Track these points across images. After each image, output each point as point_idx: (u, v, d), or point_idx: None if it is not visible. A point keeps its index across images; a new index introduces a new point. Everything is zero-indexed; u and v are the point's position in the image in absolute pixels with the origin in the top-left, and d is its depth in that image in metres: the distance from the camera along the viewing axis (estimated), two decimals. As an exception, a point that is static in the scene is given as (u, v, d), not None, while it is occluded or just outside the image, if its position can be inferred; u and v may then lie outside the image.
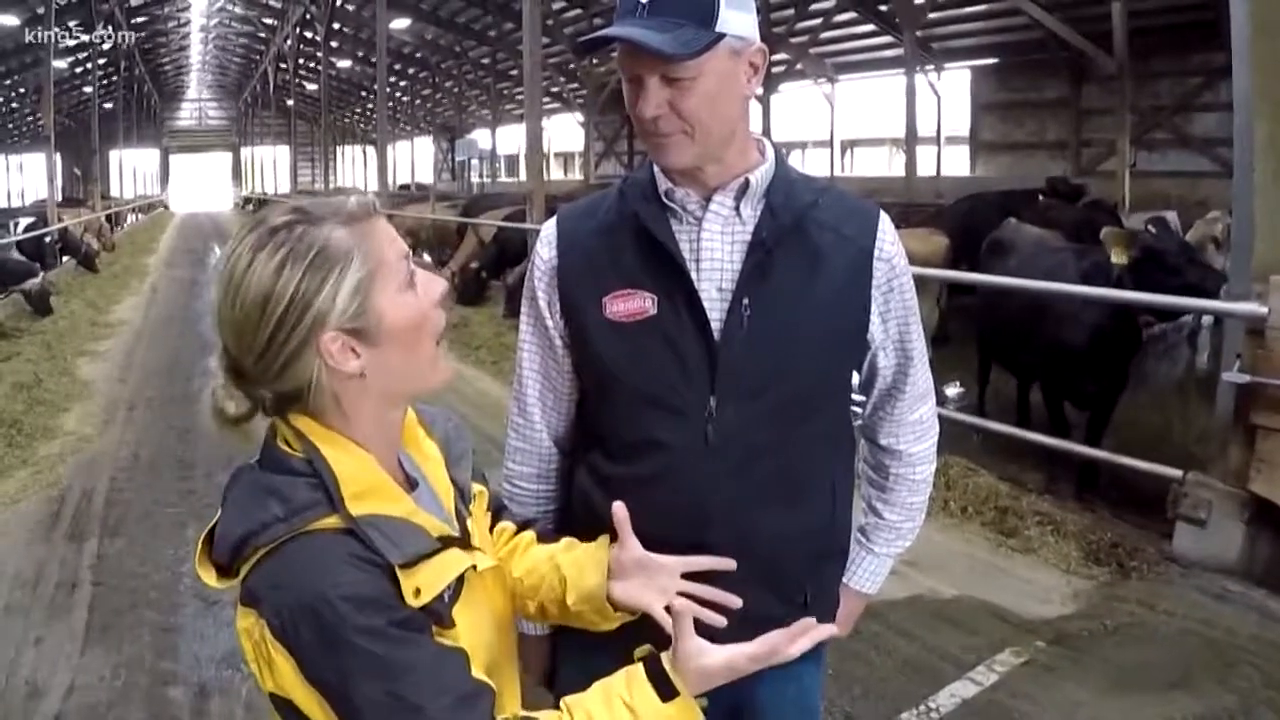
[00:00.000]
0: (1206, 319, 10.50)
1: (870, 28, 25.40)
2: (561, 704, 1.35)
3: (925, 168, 24.97)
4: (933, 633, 4.60)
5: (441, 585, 1.29)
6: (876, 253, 1.79)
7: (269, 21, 48.58)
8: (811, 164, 34.88)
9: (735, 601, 1.51)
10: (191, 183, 74.70)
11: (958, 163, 26.87)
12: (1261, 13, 5.01)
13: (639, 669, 1.36)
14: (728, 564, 1.57)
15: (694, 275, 1.71)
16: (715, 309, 1.71)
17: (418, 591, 1.25)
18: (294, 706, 1.23)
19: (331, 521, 1.25)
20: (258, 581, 1.23)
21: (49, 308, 14.41)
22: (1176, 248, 6.18)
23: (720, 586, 1.54)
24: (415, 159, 58.62)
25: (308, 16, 37.43)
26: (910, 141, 21.47)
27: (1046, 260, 7.09)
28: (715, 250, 1.72)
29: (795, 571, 1.81)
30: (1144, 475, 5.63)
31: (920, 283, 7.72)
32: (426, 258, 20.35)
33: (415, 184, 48.37)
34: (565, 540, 1.67)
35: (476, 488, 1.60)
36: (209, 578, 1.31)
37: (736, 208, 1.73)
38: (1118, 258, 5.96)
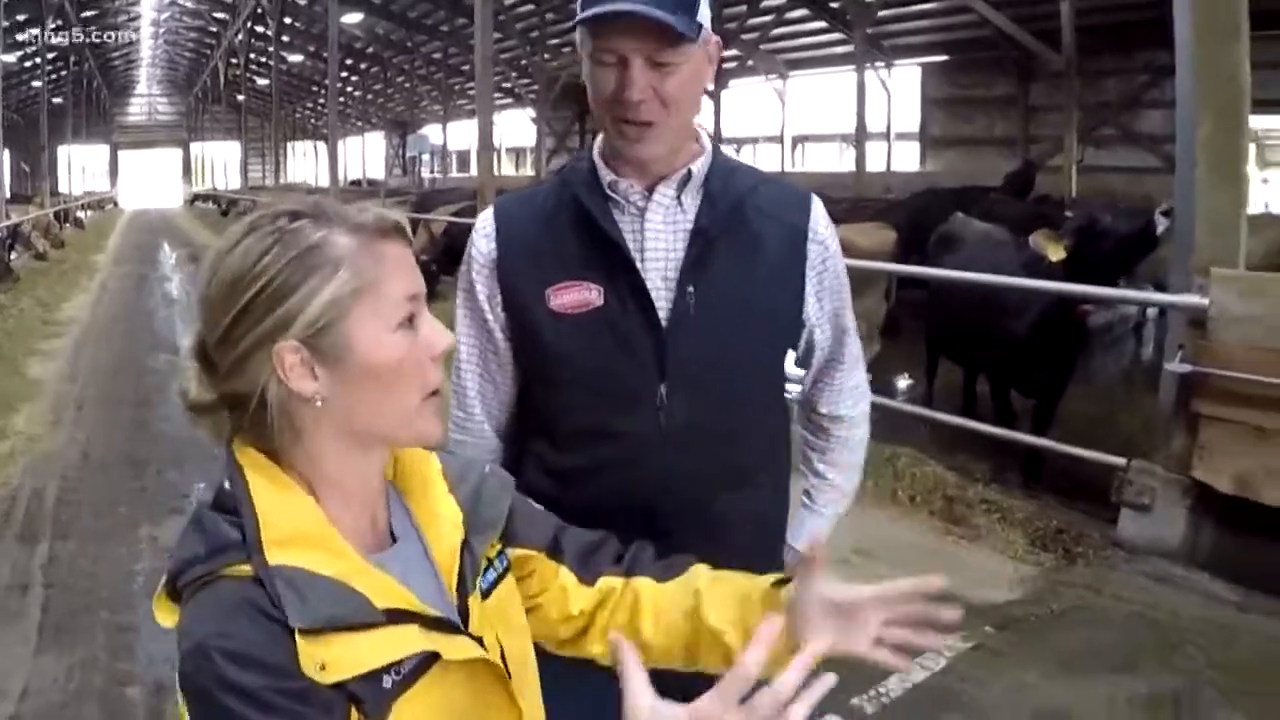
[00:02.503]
0: (1151, 311, 10.69)
1: (821, 24, 25.54)
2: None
3: (875, 163, 25.19)
4: (883, 621, 4.66)
5: (365, 666, 1.08)
6: (810, 235, 1.84)
7: (220, 16, 48.16)
8: (762, 160, 35.05)
9: (956, 615, 1.32)
10: (141, 179, 73.48)
11: (907, 158, 27.12)
12: (1203, 17, 5.14)
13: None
14: (937, 582, 1.32)
15: (640, 265, 1.74)
16: (661, 298, 1.74)
17: (323, 666, 1.05)
18: None
19: (244, 569, 1.08)
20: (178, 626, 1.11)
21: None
22: (1100, 214, 6.29)
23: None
24: (366, 154, 58.36)
25: (259, 11, 37.15)
26: (860, 137, 21.69)
27: (992, 254, 7.24)
28: (659, 240, 1.75)
29: (748, 552, 1.74)
30: (1089, 463, 5.73)
31: (869, 276, 7.81)
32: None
33: (366, 179, 48.02)
34: (694, 574, 1.45)
35: (518, 553, 1.40)
36: (163, 617, 1.16)
37: (678, 197, 1.76)
38: (1054, 254, 6.03)
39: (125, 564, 5.43)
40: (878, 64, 25.61)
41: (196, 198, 56.90)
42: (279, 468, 1.16)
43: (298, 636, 1.04)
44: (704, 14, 1.63)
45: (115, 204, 59.84)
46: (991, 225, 8.66)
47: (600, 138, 1.78)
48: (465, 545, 1.29)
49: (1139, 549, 5.16)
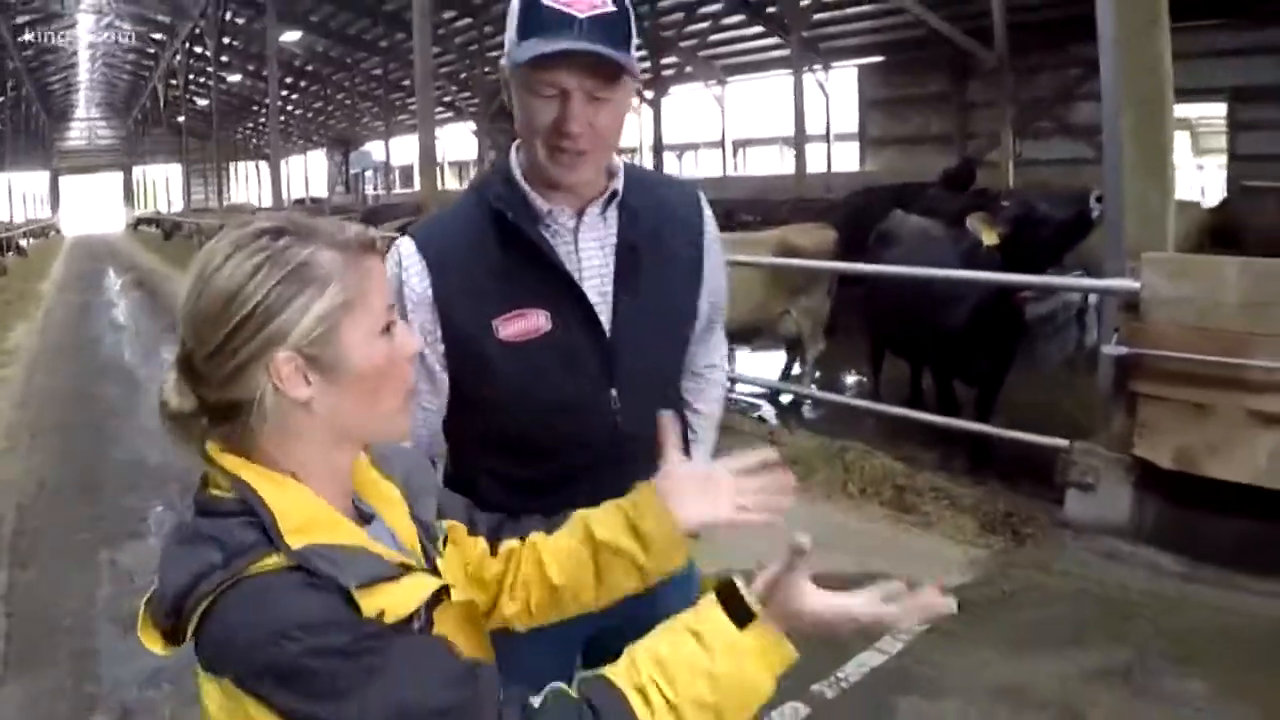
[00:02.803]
0: (1093, 298, 10.88)
1: (758, 30, 25.78)
2: (625, 652, 1.29)
3: (817, 165, 25.42)
4: (838, 609, 4.76)
5: (411, 607, 1.21)
6: (705, 231, 2.00)
7: (157, 37, 47.49)
8: (703, 165, 35.29)
9: (792, 480, 1.58)
10: (83, 205, 71.93)
11: (847, 159, 27.41)
12: (1124, 10, 5.31)
13: (710, 594, 1.30)
14: (772, 454, 1.59)
15: (581, 286, 1.83)
16: (601, 312, 1.84)
17: (381, 613, 1.17)
18: None
19: (272, 561, 1.15)
20: (207, 640, 1.14)
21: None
22: (1036, 201, 6.44)
23: None
24: (309, 173, 57.99)
25: (197, 31, 36.84)
26: (799, 139, 21.87)
27: (928, 248, 7.43)
28: (593, 258, 1.85)
29: None
30: (1034, 447, 5.86)
31: (811, 275, 7.95)
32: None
33: (310, 198, 47.80)
34: (576, 515, 1.60)
35: (447, 524, 1.52)
36: (155, 645, 1.20)
37: (602, 214, 1.86)
38: (989, 239, 6.25)
39: (86, 590, 5.41)
40: (815, 67, 25.89)
41: (140, 222, 56.21)
42: (269, 469, 1.24)
43: (355, 594, 1.14)
44: (632, 49, 1.71)
45: (57, 231, 58.77)
46: (928, 220, 8.83)
47: (516, 158, 1.84)
48: (415, 520, 1.44)
49: (1086, 527, 5.28)
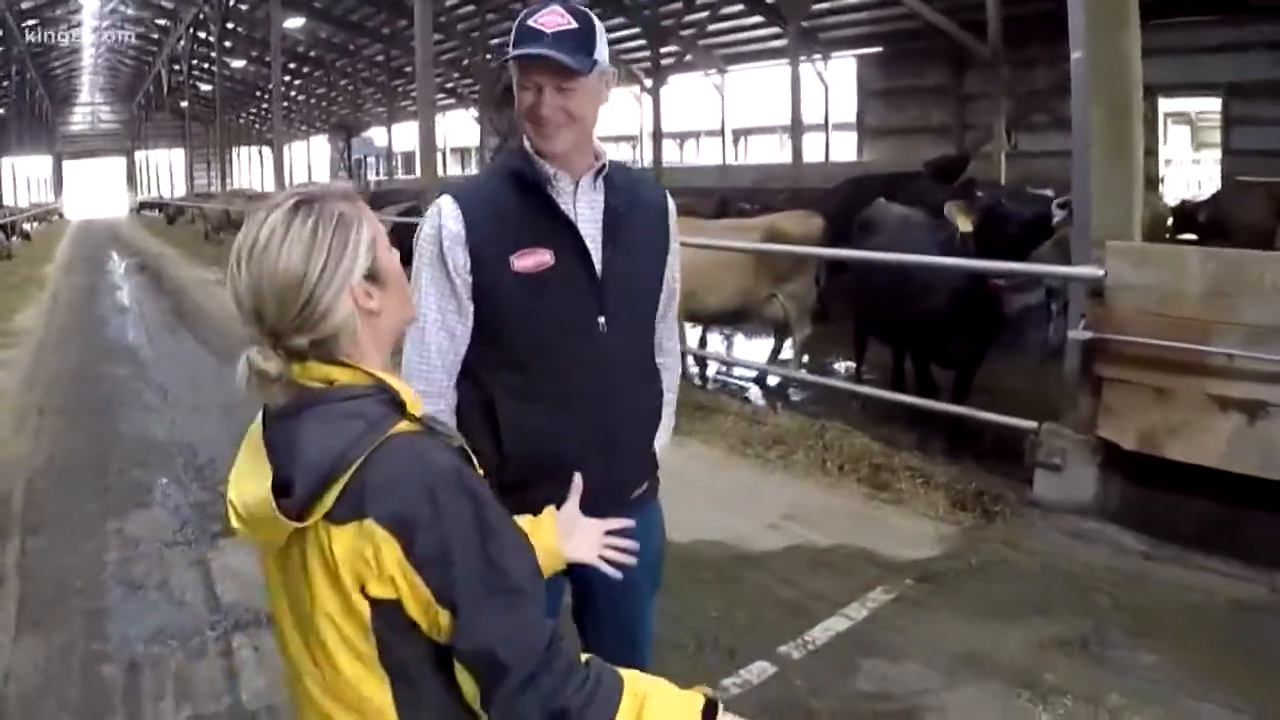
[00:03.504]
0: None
1: (757, 19, 25.79)
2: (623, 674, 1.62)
3: (815, 154, 25.53)
4: (810, 578, 4.96)
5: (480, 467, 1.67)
6: (669, 217, 2.59)
7: (162, 23, 47.36)
8: (704, 153, 35.32)
9: (635, 546, 2.11)
10: (86, 189, 71.93)
11: (846, 148, 27.49)
12: (1095, 10, 5.52)
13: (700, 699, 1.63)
14: (628, 523, 2.15)
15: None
16: (594, 254, 2.36)
17: (476, 467, 1.63)
18: (395, 607, 1.49)
19: (404, 426, 1.53)
20: (362, 488, 1.46)
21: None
22: (1006, 197, 6.69)
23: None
24: (312, 159, 57.82)
25: (201, 17, 36.90)
26: (796, 129, 21.93)
27: (908, 236, 7.63)
28: (586, 212, 2.39)
29: (650, 435, 2.60)
30: (1009, 429, 6.04)
31: (799, 261, 8.15)
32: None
33: (312, 183, 47.71)
34: None
35: None
36: (271, 534, 1.53)
37: (593, 184, 2.40)
38: (963, 225, 6.49)
39: (95, 556, 5.58)
40: (814, 57, 25.97)
41: (143, 206, 56.30)
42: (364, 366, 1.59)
43: (468, 451, 1.64)
44: (601, 53, 2.28)
45: (61, 215, 58.77)
46: (910, 209, 9.03)
47: (526, 140, 2.36)
48: None
49: (1053, 506, 5.47)
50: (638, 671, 1.63)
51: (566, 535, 2.02)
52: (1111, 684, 3.84)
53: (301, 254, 1.52)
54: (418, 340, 2.39)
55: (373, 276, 1.58)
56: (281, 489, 1.47)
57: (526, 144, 2.37)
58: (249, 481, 1.53)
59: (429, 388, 2.38)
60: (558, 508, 2.07)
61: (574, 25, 2.24)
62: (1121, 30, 5.44)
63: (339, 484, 1.46)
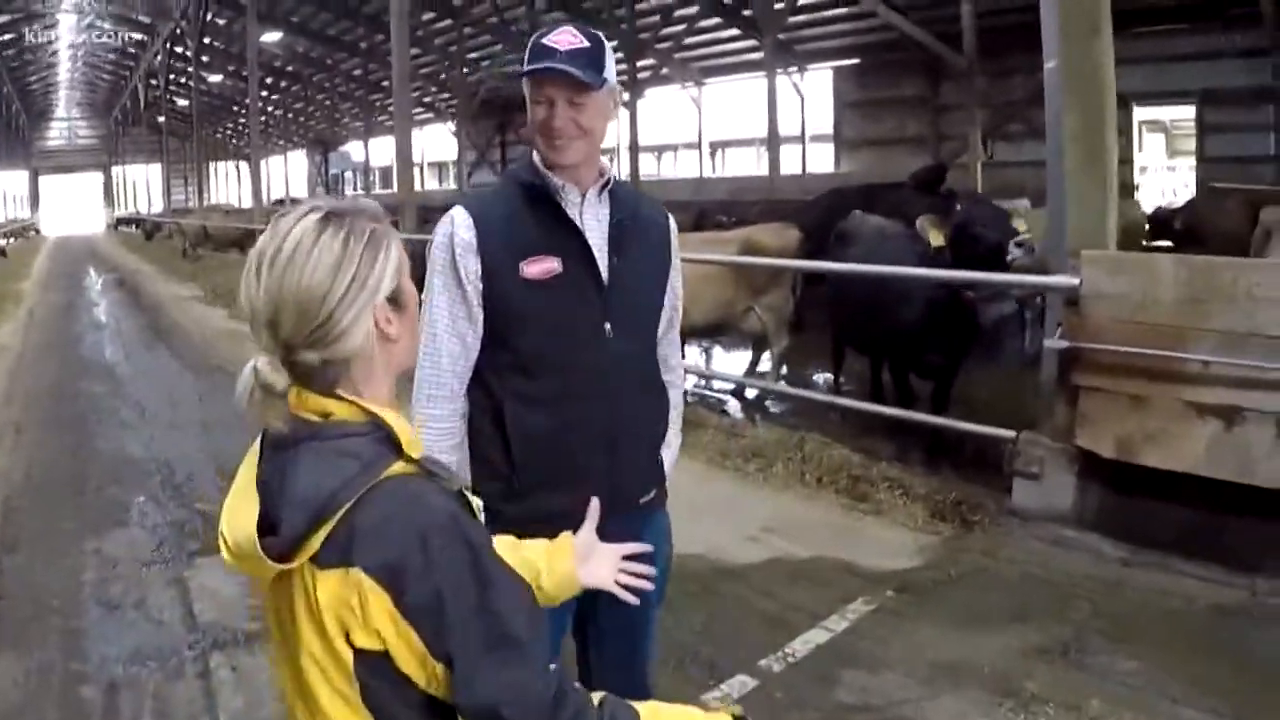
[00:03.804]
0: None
1: (734, 32, 25.86)
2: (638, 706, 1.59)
3: (792, 166, 25.59)
4: (790, 590, 4.96)
5: (481, 509, 1.62)
6: (671, 231, 2.66)
7: (138, 37, 47.30)
8: (681, 166, 35.34)
9: (652, 572, 2.09)
10: (63, 205, 71.54)
11: (823, 160, 27.57)
12: (1067, 23, 5.57)
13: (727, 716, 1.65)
14: (645, 548, 2.11)
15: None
16: (600, 263, 2.43)
17: (478, 509, 1.59)
18: (382, 658, 1.42)
19: (399, 467, 1.45)
20: (347, 533, 1.39)
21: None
22: (977, 215, 6.64)
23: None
24: (289, 173, 57.70)
25: (178, 31, 36.81)
26: (772, 141, 22.04)
27: (884, 247, 7.61)
28: (593, 224, 2.46)
29: (656, 444, 2.65)
30: (987, 439, 6.06)
31: (774, 273, 8.18)
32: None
33: (290, 198, 47.61)
34: (508, 540, 1.95)
35: None
36: (259, 570, 1.43)
37: (599, 197, 2.47)
38: (935, 240, 6.52)
39: (73, 574, 5.52)
40: (790, 69, 26.04)
41: (120, 222, 56.01)
42: (368, 400, 1.53)
43: (467, 495, 1.57)
44: (610, 72, 2.37)
45: (37, 231, 58.43)
46: (887, 221, 8.97)
47: (536, 154, 2.44)
48: None
49: (1031, 515, 5.48)
50: (657, 703, 1.63)
51: (583, 559, 1.97)
52: (1092, 690, 3.85)
53: (330, 267, 1.47)
54: (430, 346, 2.44)
55: (395, 300, 1.54)
56: (268, 527, 1.42)
57: (536, 158, 2.45)
58: (238, 516, 1.46)
59: (439, 391, 2.47)
60: (568, 518, 2.03)
61: (586, 44, 2.35)
62: (1094, 39, 5.48)
63: (327, 526, 1.40)
